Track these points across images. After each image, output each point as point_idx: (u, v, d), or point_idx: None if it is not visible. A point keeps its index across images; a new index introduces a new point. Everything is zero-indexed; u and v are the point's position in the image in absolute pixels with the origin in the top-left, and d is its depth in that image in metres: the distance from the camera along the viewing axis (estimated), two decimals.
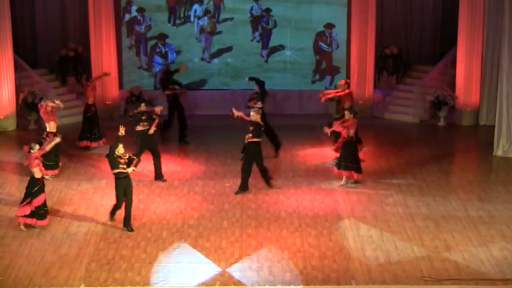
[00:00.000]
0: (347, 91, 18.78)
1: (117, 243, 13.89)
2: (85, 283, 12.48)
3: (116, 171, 14.36)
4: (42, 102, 17.52)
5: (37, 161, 14.51)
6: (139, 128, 17.04)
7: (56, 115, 17.73)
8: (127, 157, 14.48)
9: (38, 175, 14.49)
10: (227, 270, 12.91)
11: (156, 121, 17.22)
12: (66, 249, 13.65)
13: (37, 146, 14.67)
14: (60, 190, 16.51)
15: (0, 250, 13.59)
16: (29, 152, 14.56)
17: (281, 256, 13.38)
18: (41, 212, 14.43)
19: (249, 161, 16.30)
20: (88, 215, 15.18)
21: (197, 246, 13.76)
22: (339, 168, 16.66)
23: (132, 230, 14.35)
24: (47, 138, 16.90)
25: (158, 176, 17.19)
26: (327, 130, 16.95)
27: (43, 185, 14.59)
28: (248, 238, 14.09)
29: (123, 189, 14.45)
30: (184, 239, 14.05)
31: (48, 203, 14.89)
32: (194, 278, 12.64)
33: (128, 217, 14.47)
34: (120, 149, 14.43)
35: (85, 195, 16.27)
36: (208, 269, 12.92)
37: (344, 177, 16.66)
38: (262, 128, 16.50)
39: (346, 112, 16.86)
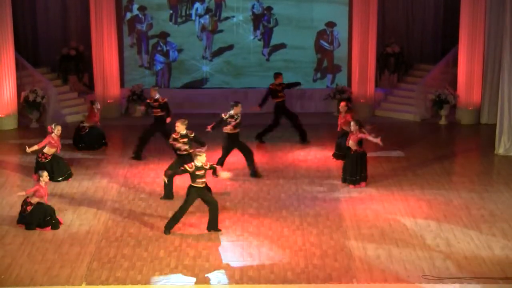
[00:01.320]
0: (348, 116, 17.79)
1: (118, 241, 13.89)
2: (87, 281, 12.48)
3: (194, 184, 14.14)
4: (53, 127, 17.00)
5: (44, 192, 14.46)
6: (226, 130, 17.09)
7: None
8: (208, 166, 14.16)
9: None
10: (228, 268, 12.91)
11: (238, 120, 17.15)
12: (67, 247, 13.65)
13: (45, 173, 14.50)
14: (61, 189, 16.51)
15: (1, 249, 13.59)
16: (38, 180, 14.46)
17: (282, 254, 13.38)
18: (47, 219, 14.43)
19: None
20: (89, 213, 15.18)
21: (198, 245, 13.76)
22: (344, 182, 16.70)
23: (219, 230, 14.25)
24: (42, 158, 16.80)
25: (254, 173, 17.20)
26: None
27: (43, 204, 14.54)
28: (250, 237, 14.09)
29: (194, 199, 14.18)
30: (185, 238, 14.04)
31: (50, 203, 14.87)
32: (195, 276, 12.64)
33: (214, 220, 14.28)
34: (203, 158, 13.99)
35: (86, 194, 16.27)
36: (209, 267, 12.92)
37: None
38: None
39: (352, 123, 16.51)
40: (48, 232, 14.25)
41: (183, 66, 23.61)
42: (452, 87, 22.17)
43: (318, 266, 12.95)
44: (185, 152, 15.75)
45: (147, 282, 12.45)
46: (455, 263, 13.03)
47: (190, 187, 14.15)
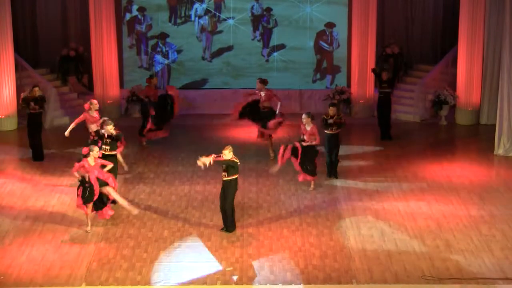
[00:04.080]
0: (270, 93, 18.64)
1: (118, 242, 13.89)
2: (86, 282, 12.49)
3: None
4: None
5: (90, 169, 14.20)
6: (327, 132, 17.32)
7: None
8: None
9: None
10: (228, 269, 12.91)
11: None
12: (67, 248, 13.65)
13: (96, 148, 14.33)
14: (61, 190, 16.50)
15: (1, 249, 13.59)
16: (87, 155, 14.10)
17: (282, 255, 13.39)
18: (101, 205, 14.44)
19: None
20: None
21: (198, 246, 13.76)
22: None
23: (227, 231, 14.34)
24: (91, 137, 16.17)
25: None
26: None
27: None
28: (249, 238, 14.10)
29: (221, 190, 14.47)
30: (185, 239, 14.05)
31: (50, 203, 14.86)
32: (195, 277, 12.64)
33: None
34: (228, 153, 14.15)
35: None
36: (209, 268, 12.93)
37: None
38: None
39: (304, 116, 16.55)
40: (48, 232, 14.25)
41: (182, 67, 23.63)
42: (452, 88, 22.17)
43: (317, 266, 12.96)
44: (111, 152, 15.55)
45: (147, 283, 12.45)
46: (454, 264, 13.04)
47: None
